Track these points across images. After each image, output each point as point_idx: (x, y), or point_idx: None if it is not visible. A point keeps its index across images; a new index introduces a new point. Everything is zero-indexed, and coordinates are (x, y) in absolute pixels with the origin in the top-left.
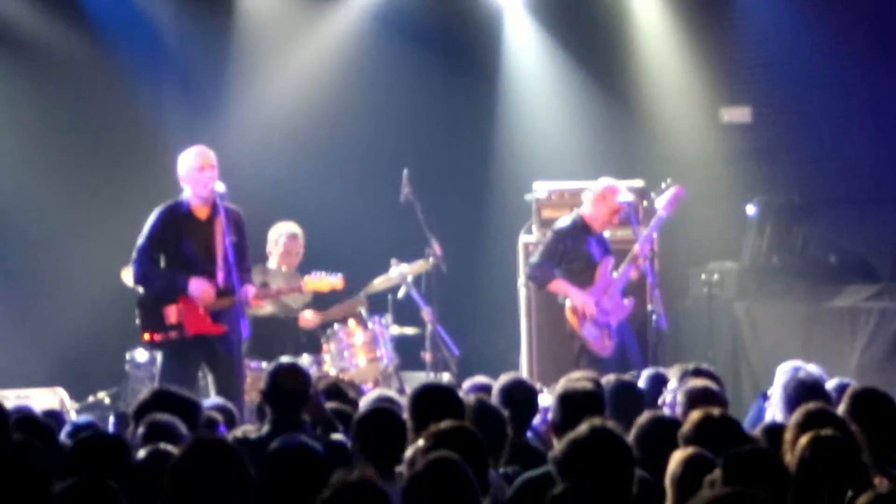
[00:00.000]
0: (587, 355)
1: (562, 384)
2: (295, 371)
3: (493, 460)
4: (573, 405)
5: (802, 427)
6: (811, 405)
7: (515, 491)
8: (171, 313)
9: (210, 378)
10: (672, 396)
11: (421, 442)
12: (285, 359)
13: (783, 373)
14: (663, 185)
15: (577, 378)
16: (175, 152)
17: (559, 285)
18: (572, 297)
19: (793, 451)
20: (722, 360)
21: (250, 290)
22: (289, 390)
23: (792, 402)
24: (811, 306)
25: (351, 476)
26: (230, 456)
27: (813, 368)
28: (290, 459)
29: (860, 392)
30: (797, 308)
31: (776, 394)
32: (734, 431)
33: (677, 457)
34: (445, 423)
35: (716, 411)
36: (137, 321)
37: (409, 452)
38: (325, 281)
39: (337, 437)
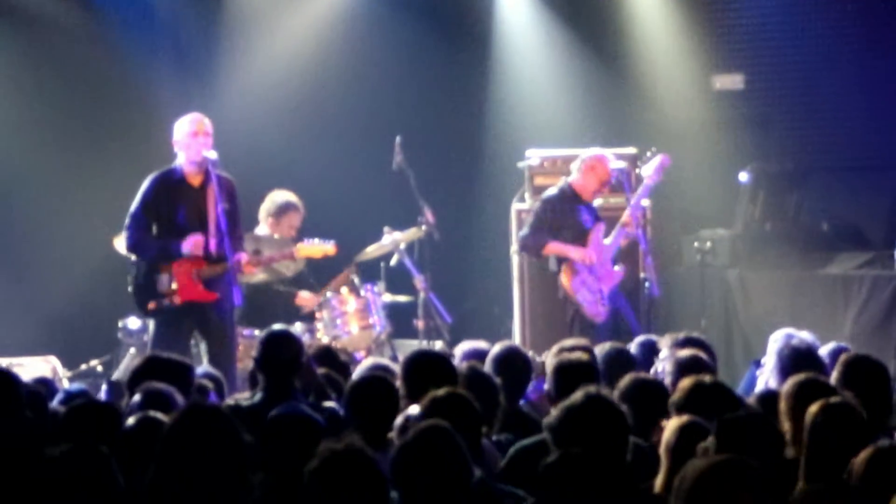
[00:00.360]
0: (580, 321)
1: (555, 355)
2: (287, 338)
3: (486, 428)
4: (568, 376)
5: (796, 397)
6: (802, 375)
7: (509, 459)
8: (163, 281)
9: (202, 345)
10: (663, 366)
11: (414, 409)
12: (277, 326)
13: (776, 340)
14: (649, 154)
15: (571, 347)
16: (168, 121)
17: (554, 247)
18: (570, 253)
19: (791, 420)
20: (714, 328)
21: (243, 258)
22: (281, 358)
23: (786, 370)
24: (804, 274)
25: (339, 445)
26: (224, 422)
27: (805, 335)
28: (289, 427)
29: (852, 359)
30: (790, 275)
31: (770, 361)
32: (726, 398)
33: (672, 425)
34: (440, 391)
35: (707, 378)
36: (130, 289)
37: (399, 419)
38: (318, 247)
39: (329, 404)
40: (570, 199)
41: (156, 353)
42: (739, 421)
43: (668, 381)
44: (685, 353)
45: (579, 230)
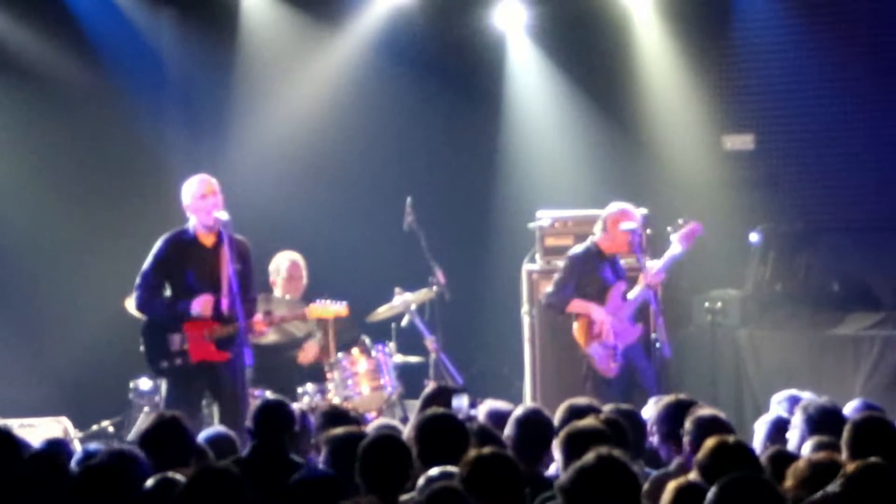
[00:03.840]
0: (593, 378)
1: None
2: (280, 408)
3: None
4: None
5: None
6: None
7: None
8: (175, 340)
9: (214, 406)
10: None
11: (437, 470)
12: (271, 396)
13: (778, 402)
14: (680, 221)
15: (582, 408)
16: (178, 180)
17: (577, 305)
18: (592, 312)
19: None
20: (725, 388)
21: (256, 319)
22: (273, 427)
23: (812, 428)
24: (814, 334)
25: None
26: (234, 484)
27: (808, 395)
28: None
29: (861, 420)
30: (800, 336)
31: (796, 420)
32: (748, 458)
33: (670, 486)
34: (485, 450)
35: (731, 438)
36: (141, 348)
37: (420, 481)
38: (330, 308)
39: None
40: (594, 257)
41: (163, 414)
42: (739, 483)
43: (686, 439)
44: (704, 412)
45: (601, 286)
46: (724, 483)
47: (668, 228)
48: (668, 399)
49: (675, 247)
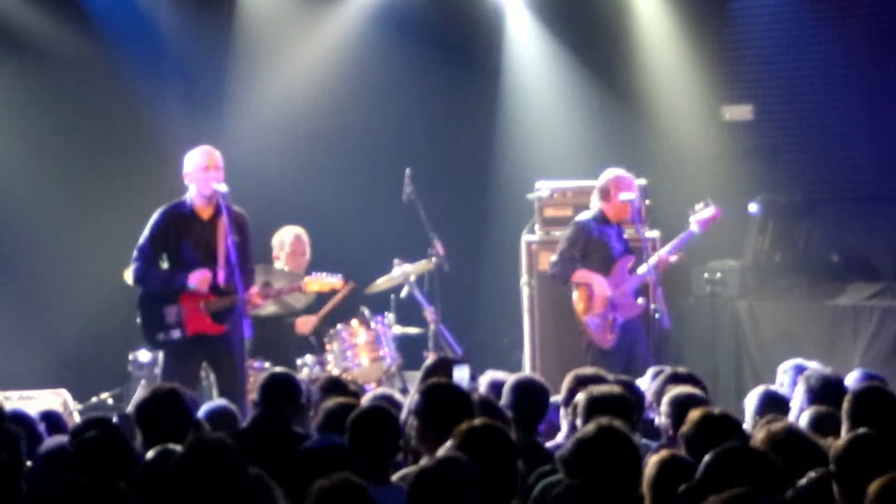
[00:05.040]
0: (593, 349)
1: (574, 383)
2: (286, 381)
3: None
4: (600, 410)
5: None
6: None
7: (537, 495)
8: (171, 313)
9: (212, 378)
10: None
11: (450, 442)
12: (278, 369)
13: (785, 371)
14: (702, 204)
15: (589, 377)
16: (177, 152)
17: (581, 275)
18: (594, 284)
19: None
20: (724, 359)
21: (253, 291)
22: (280, 402)
23: (815, 399)
24: (814, 304)
25: (332, 481)
26: (230, 456)
27: (814, 365)
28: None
29: (861, 391)
30: (800, 306)
31: (799, 390)
32: (734, 429)
33: (653, 459)
34: (476, 422)
35: (716, 410)
36: (138, 321)
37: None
38: (326, 281)
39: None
40: (600, 223)
41: (161, 386)
42: (730, 454)
43: (664, 420)
44: (680, 389)
45: (607, 254)
46: (716, 454)
47: (689, 211)
48: (668, 372)
49: (693, 227)
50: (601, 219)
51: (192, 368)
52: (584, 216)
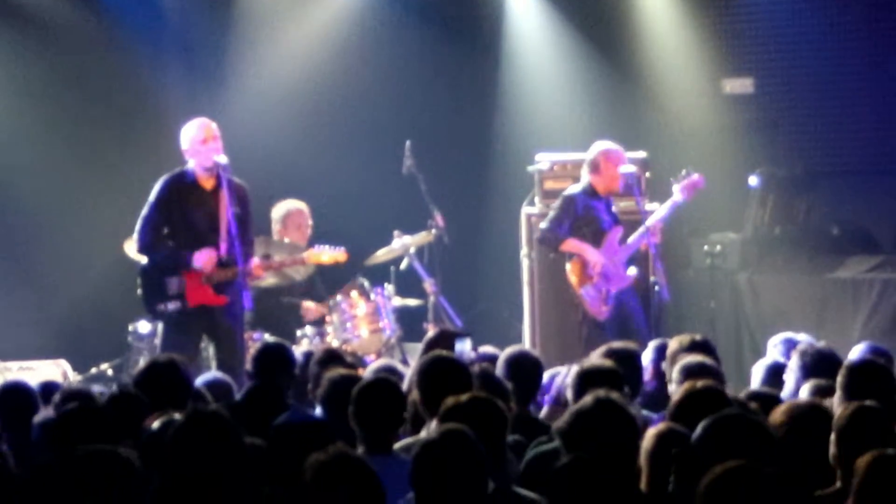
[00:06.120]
0: (588, 322)
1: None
2: (280, 350)
3: None
4: (590, 382)
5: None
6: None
7: (526, 464)
8: (173, 284)
9: (211, 350)
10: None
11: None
12: (271, 339)
13: (775, 345)
14: (683, 172)
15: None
16: (177, 123)
17: (571, 244)
18: (585, 253)
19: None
20: (724, 332)
21: (253, 263)
22: (274, 371)
23: (809, 373)
24: (813, 277)
25: (329, 454)
26: (227, 428)
27: (804, 337)
28: (297, 433)
29: (856, 364)
30: (799, 279)
31: (793, 364)
32: (720, 402)
33: (650, 432)
34: (464, 396)
35: (699, 384)
36: (139, 291)
37: (433, 424)
38: (328, 254)
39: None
40: (590, 196)
41: (157, 358)
42: (726, 421)
43: (673, 387)
44: (691, 358)
45: (597, 228)
46: (711, 422)
47: (671, 179)
48: (686, 339)
49: (676, 196)
50: (590, 192)
51: (193, 340)
52: (573, 189)
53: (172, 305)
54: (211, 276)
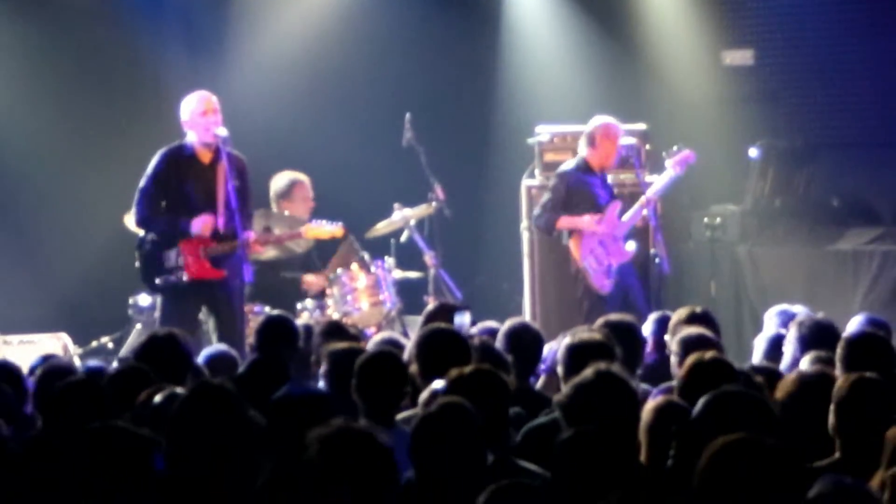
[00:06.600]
0: (590, 296)
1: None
2: (283, 323)
3: None
4: (581, 355)
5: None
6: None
7: (523, 437)
8: (171, 257)
9: (211, 323)
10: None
11: (439, 383)
12: (274, 312)
13: (771, 317)
14: (675, 148)
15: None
16: (177, 97)
17: (565, 221)
18: (580, 224)
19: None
20: (724, 303)
21: (251, 236)
22: (277, 344)
23: (808, 344)
24: (814, 249)
25: (333, 427)
26: (233, 402)
27: (799, 309)
28: (299, 406)
29: (855, 336)
30: (800, 251)
31: (791, 335)
32: (727, 374)
33: (649, 406)
34: (467, 368)
35: (707, 355)
36: (137, 264)
37: (425, 394)
38: (326, 229)
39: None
40: (583, 172)
41: (157, 331)
42: (726, 397)
43: (673, 359)
44: (690, 330)
45: (594, 205)
46: (710, 398)
47: (664, 153)
48: (686, 310)
49: (669, 171)
50: (583, 167)
51: (191, 313)
52: (566, 166)
53: (171, 278)
54: (209, 248)
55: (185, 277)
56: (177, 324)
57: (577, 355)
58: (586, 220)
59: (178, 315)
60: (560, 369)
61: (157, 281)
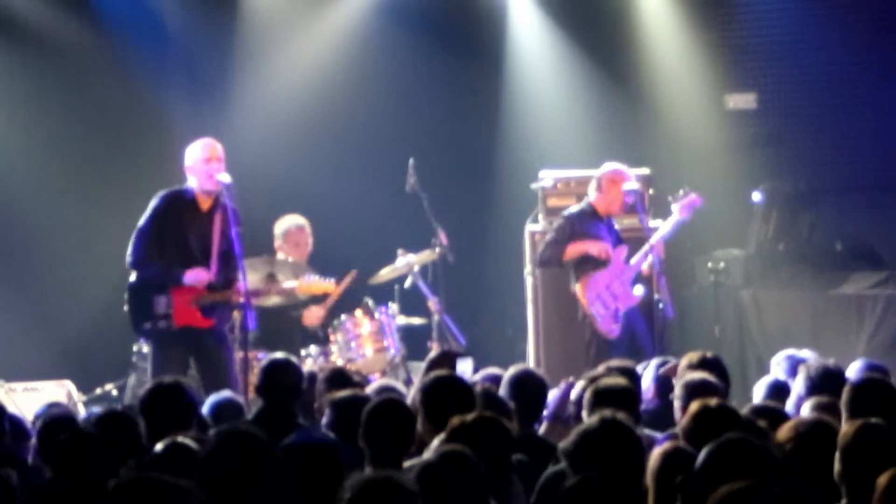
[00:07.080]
0: (598, 341)
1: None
2: (287, 365)
3: None
4: (606, 401)
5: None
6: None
7: (541, 487)
8: (161, 303)
9: (195, 370)
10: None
11: (443, 435)
12: (279, 354)
13: (778, 362)
14: (681, 192)
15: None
16: (181, 142)
17: (573, 249)
18: (590, 249)
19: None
20: (728, 348)
21: (240, 286)
22: (282, 384)
23: (816, 389)
24: (817, 293)
25: (372, 475)
26: (259, 445)
27: (808, 353)
28: (307, 456)
29: (860, 382)
30: (803, 295)
31: (798, 381)
32: (732, 421)
33: (656, 452)
34: (469, 415)
35: (713, 402)
36: (125, 307)
37: (435, 443)
38: (319, 285)
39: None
40: (590, 216)
41: (163, 378)
42: (729, 446)
43: (676, 404)
44: (693, 375)
45: None
46: (714, 447)
47: (669, 198)
48: (697, 356)
49: (675, 216)
50: (589, 212)
51: (181, 359)
52: (572, 210)
53: (160, 324)
54: (200, 298)
55: (173, 324)
56: (166, 371)
57: (602, 401)
58: (595, 247)
59: (170, 361)
60: (585, 413)
61: (146, 326)
